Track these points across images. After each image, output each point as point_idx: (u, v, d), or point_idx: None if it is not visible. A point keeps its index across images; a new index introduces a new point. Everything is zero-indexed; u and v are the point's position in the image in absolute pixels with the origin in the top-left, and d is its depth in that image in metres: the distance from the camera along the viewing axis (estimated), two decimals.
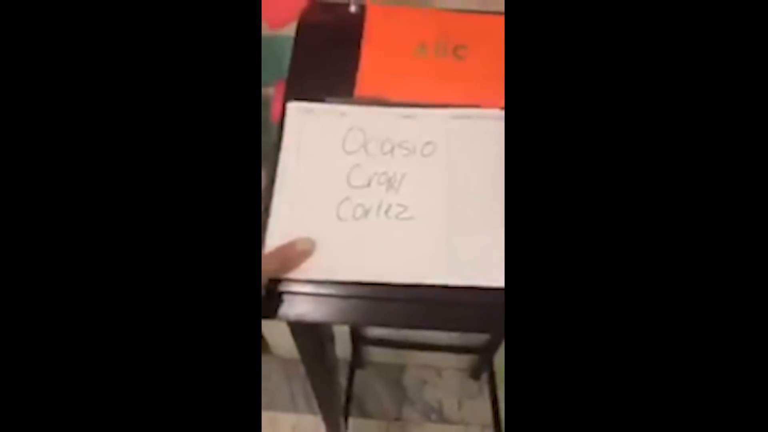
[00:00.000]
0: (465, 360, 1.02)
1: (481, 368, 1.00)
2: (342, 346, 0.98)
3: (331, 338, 0.51)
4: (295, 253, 0.31)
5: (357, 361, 1.00)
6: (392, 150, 0.36)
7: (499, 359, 0.97)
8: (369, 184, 0.34)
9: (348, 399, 0.94)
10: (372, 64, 0.40)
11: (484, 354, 0.96)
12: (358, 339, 0.99)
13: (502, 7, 0.43)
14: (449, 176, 0.35)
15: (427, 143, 0.36)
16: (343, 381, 0.96)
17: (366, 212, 0.33)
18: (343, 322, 0.33)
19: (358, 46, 0.41)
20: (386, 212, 0.34)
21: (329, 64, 0.40)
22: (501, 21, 0.43)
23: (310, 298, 0.32)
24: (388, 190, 0.34)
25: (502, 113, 0.38)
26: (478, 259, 0.32)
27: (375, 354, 1.04)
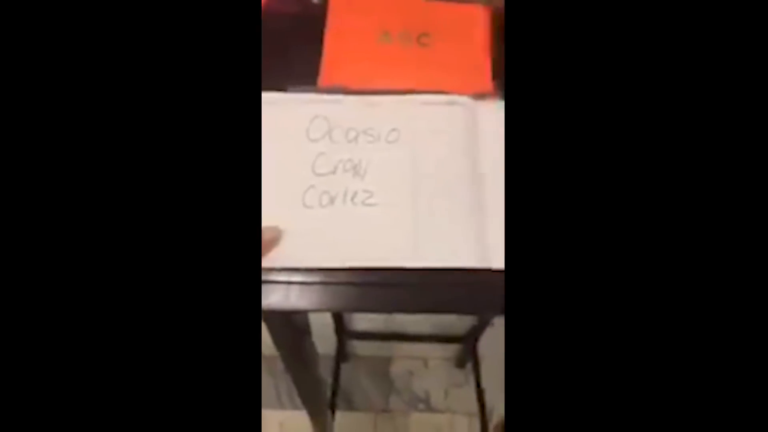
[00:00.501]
0: (451, 349, 1.03)
1: (465, 357, 1.01)
2: (326, 341, 0.99)
3: (308, 331, 0.51)
4: (263, 243, 0.31)
5: (342, 355, 1.00)
6: (357, 137, 0.36)
7: (483, 347, 0.99)
8: (334, 172, 0.35)
9: (334, 393, 0.94)
10: (335, 53, 0.40)
11: (468, 342, 0.98)
12: (342, 333, 0.99)
13: None
14: (414, 161, 0.35)
15: (392, 130, 0.36)
16: (328, 375, 0.96)
17: (332, 199, 0.34)
18: (315, 310, 0.33)
19: (322, 36, 0.41)
20: (352, 199, 0.34)
21: (293, 54, 0.40)
22: (463, 9, 0.43)
23: (281, 286, 0.32)
24: (354, 177, 0.34)
25: (466, 99, 0.38)
26: (445, 240, 0.33)
27: (360, 347, 1.04)
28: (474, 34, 0.42)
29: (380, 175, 0.35)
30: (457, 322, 1.01)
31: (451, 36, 0.42)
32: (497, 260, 0.32)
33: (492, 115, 0.37)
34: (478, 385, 0.94)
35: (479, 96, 0.38)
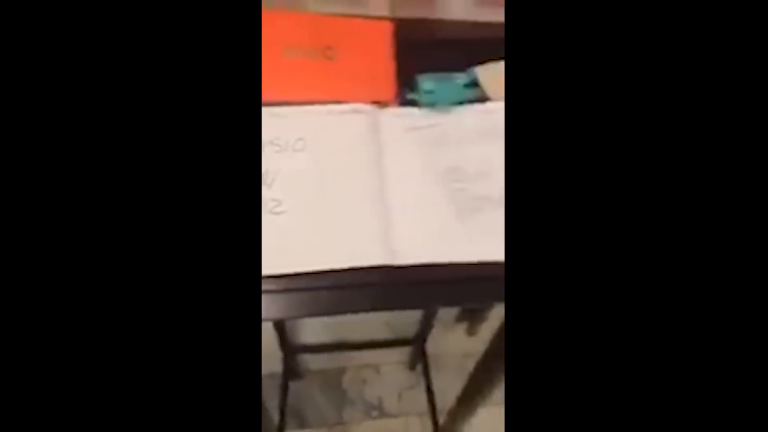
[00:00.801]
0: (403, 352, 1.04)
1: (416, 358, 1.03)
2: (274, 359, 0.96)
3: None
4: None
5: (291, 372, 0.98)
6: (263, 148, 0.37)
7: (431, 346, 1.01)
8: None
9: (282, 413, 0.92)
10: None
11: (417, 344, 1.00)
12: (287, 348, 0.97)
13: (367, 11, 0.46)
14: (321, 169, 0.37)
15: (298, 139, 0.38)
16: (276, 395, 0.94)
17: None
18: None
19: None
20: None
21: None
22: (366, 24, 0.46)
23: None
24: (261, 187, 0.35)
25: (369, 107, 0.40)
26: (353, 242, 0.34)
27: (311, 361, 1.03)
28: (377, 46, 0.44)
29: (288, 183, 0.35)
30: (405, 324, 1.02)
31: (355, 49, 0.44)
32: (402, 257, 0.34)
33: (394, 121, 0.40)
34: (428, 387, 0.96)
35: (381, 104, 0.41)
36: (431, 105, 0.40)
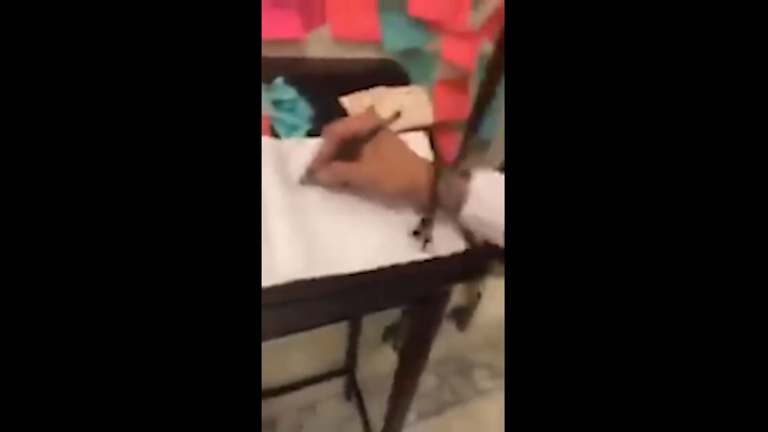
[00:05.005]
0: (338, 384, 0.95)
1: (349, 388, 0.96)
2: None
3: None
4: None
5: None
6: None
7: (364, 371, 0.97)
8: None
9: None
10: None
11: (347, 373, 0.95)
12: None
13: None
14: None
15: None
16: None
17: None
18: None
19: None
20: None
21: None
22: None
23: None
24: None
25: None
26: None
27: None
28: None
29: None
30: (332, 354, 0.96)
31: None
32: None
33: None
34: (363, 416, 0.89)
35: None
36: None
